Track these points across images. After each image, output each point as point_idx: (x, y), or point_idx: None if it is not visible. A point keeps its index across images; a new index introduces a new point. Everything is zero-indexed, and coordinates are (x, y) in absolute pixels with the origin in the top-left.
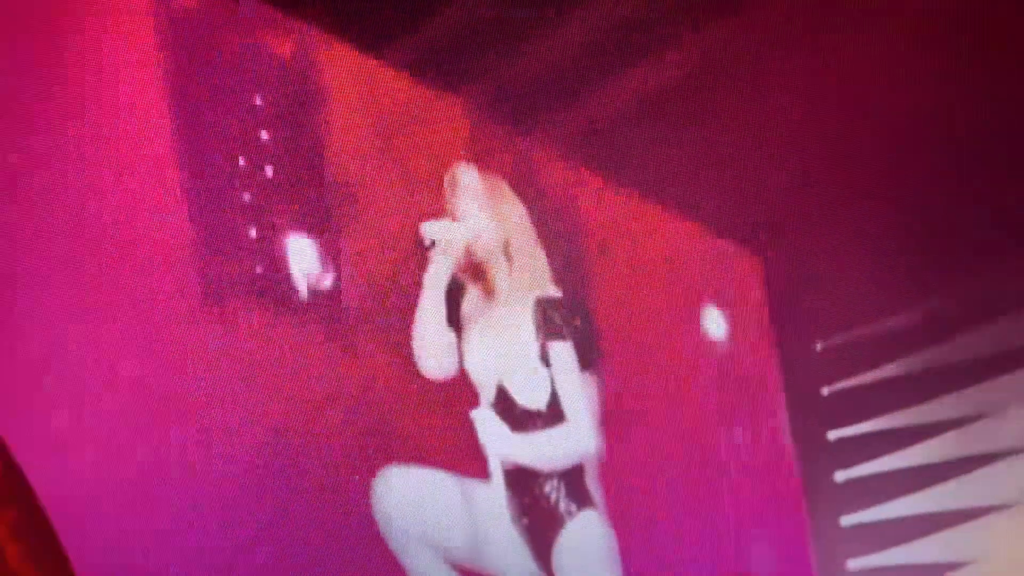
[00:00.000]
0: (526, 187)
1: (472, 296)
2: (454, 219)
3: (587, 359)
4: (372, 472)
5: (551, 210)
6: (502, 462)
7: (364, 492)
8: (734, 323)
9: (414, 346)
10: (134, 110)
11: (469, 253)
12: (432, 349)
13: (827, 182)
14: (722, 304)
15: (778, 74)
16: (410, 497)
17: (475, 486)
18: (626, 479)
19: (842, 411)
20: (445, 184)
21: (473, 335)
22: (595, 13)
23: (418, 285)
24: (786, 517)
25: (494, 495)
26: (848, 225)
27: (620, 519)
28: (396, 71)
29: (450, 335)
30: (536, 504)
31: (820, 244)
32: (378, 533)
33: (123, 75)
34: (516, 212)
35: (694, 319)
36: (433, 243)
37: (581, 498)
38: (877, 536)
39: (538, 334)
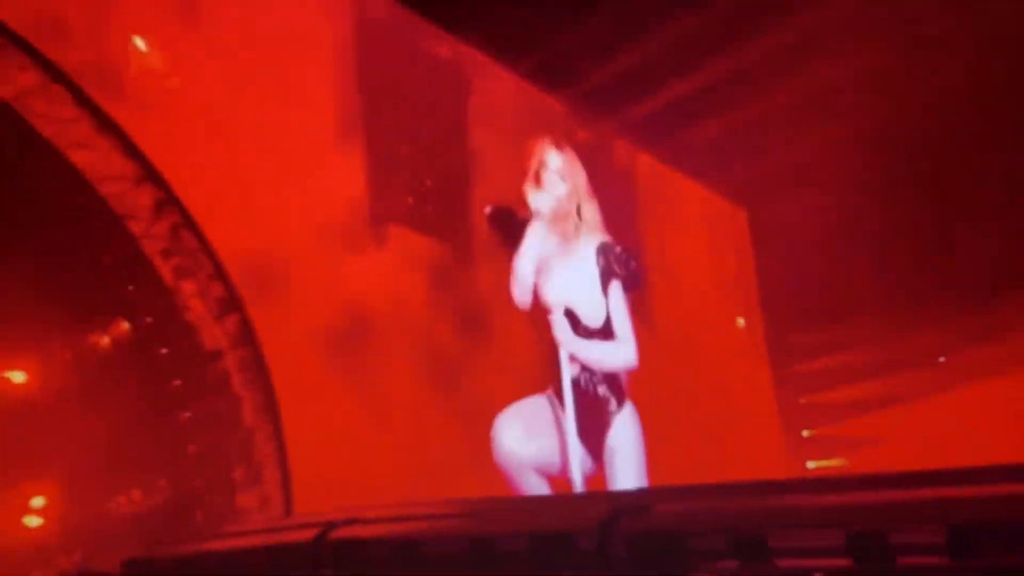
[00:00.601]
0: (593, 159)
1: (552, 242)
2: (540, 183)
3: (634, 288)
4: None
5: (612, 176)
6: (568, 358)
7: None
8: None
9: (511, 280)
10: (329, 85)
11: (555, 212)
12: (522, 285)
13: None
14: (738, 251)
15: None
16: (519, 422)
17: (556, 398)
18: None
19: None
20: (534, 154)
21: (551, 269)
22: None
23: (521, 224)
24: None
25: (565, 398)
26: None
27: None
28: (519, 75)
29: (533, 277)
30: (588, 399)
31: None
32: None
33: (324, 60)
34: (581, 179)
35: (720, 260)
36: (537, 210)
37: (621, 395)
38: None
39: (602, 274)
